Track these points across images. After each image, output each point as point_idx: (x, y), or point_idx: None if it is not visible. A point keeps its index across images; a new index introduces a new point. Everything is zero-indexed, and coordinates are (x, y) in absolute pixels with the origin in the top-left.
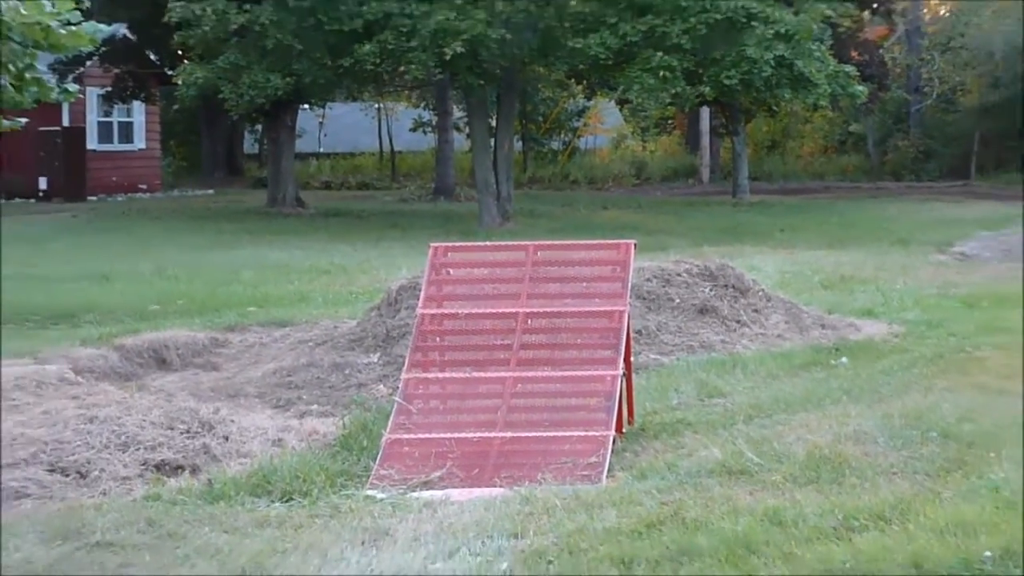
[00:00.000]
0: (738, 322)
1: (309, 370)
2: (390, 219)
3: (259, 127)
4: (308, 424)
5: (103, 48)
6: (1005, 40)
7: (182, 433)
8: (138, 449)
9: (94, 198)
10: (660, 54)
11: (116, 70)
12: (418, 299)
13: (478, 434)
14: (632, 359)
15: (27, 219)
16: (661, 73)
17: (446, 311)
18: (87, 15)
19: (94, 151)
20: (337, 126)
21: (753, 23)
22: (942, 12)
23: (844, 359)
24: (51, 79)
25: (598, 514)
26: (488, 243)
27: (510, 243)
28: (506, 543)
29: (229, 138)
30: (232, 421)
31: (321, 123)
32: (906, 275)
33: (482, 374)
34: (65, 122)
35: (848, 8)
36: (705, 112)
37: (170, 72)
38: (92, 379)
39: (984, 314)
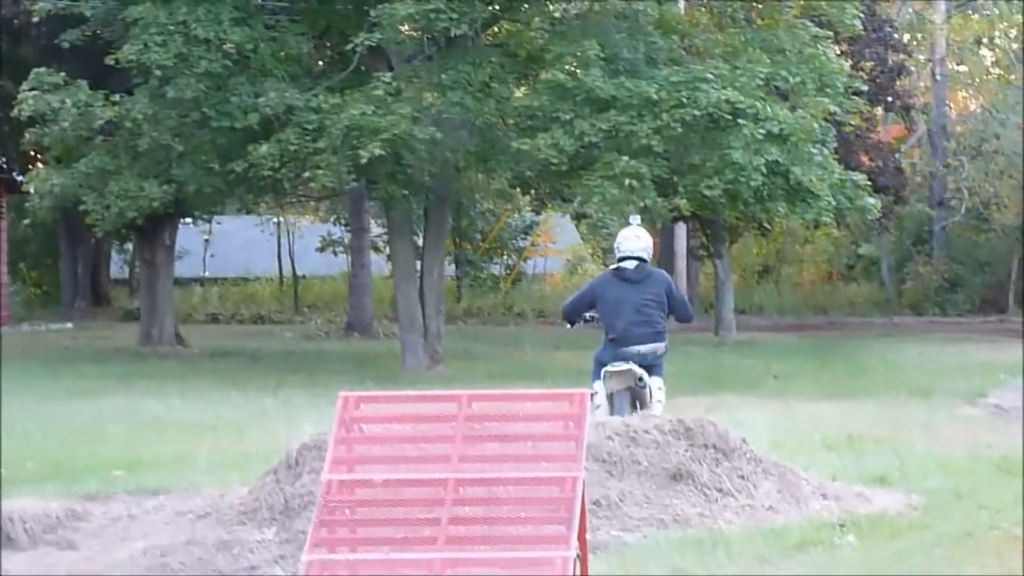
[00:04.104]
0: (720, 491)
1: (189, 549)
2: (292, 361)
3: (130, 246)
4: None
5: None
6: None
7: None
8: None
9: None
10: (625, 158)
11: None
12: (324, 461)
13: None
14: (588, 537)
15: None
16: (627, 182)
17: (358, 477)
18: None
19: None
20: (227, 245)
21: (740, 121)
22: (972, 108)
23: (851, 538)
24: None
25: None
26: (412, 392)
27: (439, 392)
28: None
29: (94, 260)
30: None
31: (207, 241)
32: (928, 433)
33: (403, 555)
34: None
35: (857, 103)
36: (681, 230)
37: (20, 179)
38: None
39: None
